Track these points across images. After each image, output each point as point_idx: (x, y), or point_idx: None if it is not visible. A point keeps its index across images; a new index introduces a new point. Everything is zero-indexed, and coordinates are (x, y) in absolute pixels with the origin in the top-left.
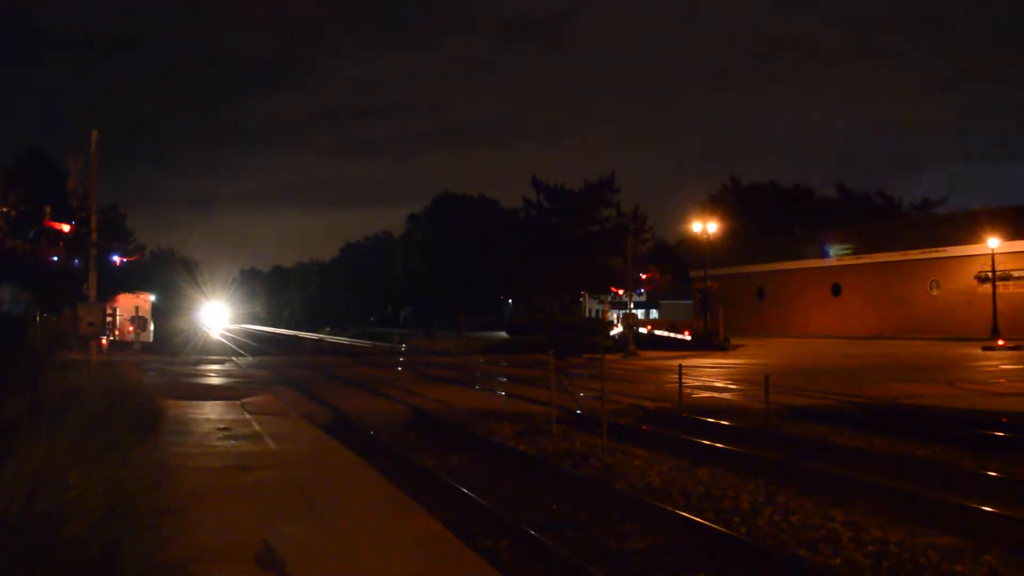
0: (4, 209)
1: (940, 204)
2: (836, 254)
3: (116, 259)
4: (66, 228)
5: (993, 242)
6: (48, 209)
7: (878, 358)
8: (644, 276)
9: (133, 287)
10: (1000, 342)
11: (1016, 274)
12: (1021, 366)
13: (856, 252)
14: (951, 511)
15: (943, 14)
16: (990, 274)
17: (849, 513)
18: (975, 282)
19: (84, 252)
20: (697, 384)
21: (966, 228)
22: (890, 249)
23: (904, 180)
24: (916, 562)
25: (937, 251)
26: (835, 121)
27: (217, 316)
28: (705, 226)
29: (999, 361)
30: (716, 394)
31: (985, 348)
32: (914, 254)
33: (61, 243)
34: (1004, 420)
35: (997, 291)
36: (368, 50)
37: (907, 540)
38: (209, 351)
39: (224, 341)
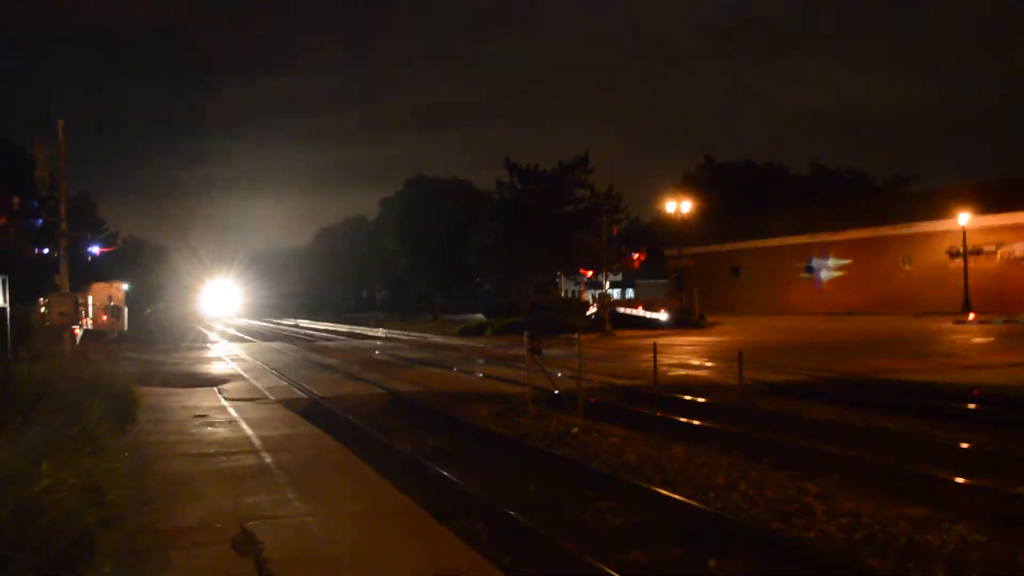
0: None
1: (913, 180)
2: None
3: (96, 250)
4: (36, 218)
5: (964, 217)
6: (16, 200)
7: (851, 333)
8: (619, 256)
9: (106, 276)
10: (971, 316)
11: (987, 249)
12: (992, 339)
13: (829, 229)
14: (923, 483)
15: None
16: (961, 249)
17: (822, 486)
18: (947, 257)
19: (54, 242)
20: (673, 362)
21: (938, 204)
22: (863, 226)
23: (877, 156)
24: (887, 533)
25: (909, 227)
26: (808, 99)
27: (206, 303)
28: (679, 205)
29: (970, 335)
30: (691, 372)
31: (957, 322)
32: (887, 230)
33: (31, 232)
34: (976, 392)
35: (968, 266)
36: (339, 34)
37: (879, 512)
38: (185, 338)
39: (201, 328)
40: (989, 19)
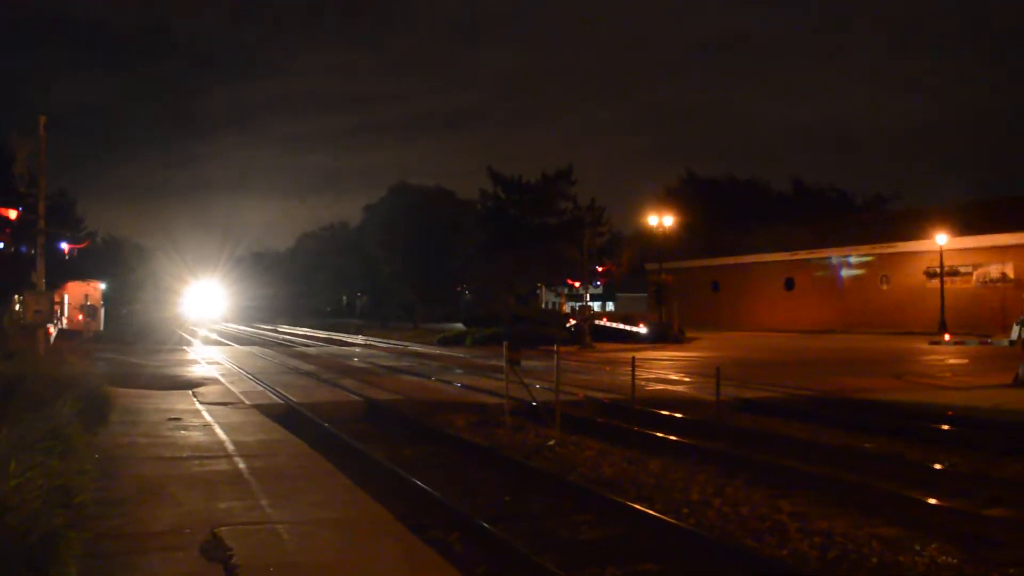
0: None
1: (893, 200)
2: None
3: (64, 247)
4: (12, 214)
5: (941, 238)
6: None
7: (828, 351)
8: (600, 269)
9: (83, 275)
10: (946, 336)
11: (963, 270)
12: (966, 360)
13: (808, 246)
14: (895, 502)
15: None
16: (938, 270)
17: (796, 504)
18: (924, 277)
19: (32, 239)
20: (651, 376)
21: (916, 224)
22: (842, 244)
23: (859, 176)
24: (860, 552)
25: (888, 247)
26: (791, 116)
27: (189, 306)
28: (661, 219)
29: (945, 355)
30: (669, 386)
31: (932, 342)
32: (865, 249)
33: (7, 230)
34: (950, 413)
35: (945, 286)
36: (326, 39)
37: (852, 531)
38: (163, 340)
39: (179, 331)
40: (976, 36)
